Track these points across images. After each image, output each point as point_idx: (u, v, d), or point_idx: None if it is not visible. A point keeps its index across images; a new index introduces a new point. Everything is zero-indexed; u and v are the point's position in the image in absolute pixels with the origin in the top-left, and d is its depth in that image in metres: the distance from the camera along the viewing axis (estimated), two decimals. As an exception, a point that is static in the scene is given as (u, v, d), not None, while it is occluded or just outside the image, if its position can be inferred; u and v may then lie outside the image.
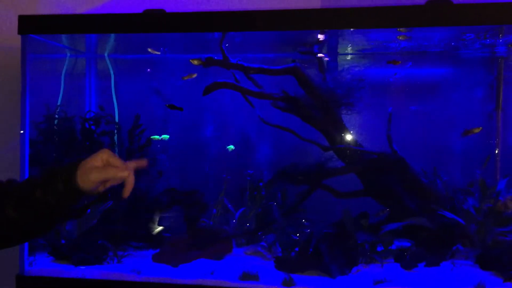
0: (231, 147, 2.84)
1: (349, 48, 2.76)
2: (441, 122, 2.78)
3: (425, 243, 2.41)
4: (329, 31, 2.35)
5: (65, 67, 2.96)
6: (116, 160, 1.26)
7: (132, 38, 2.55)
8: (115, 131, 2.86)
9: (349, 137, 2.57)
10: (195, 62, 2.50)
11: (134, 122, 2.78)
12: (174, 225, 2.66)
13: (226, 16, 2.28)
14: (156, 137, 2.81)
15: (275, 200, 2.70)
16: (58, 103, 2.87)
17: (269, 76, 2.58)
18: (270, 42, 2.64)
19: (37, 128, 2.70)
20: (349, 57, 2.89)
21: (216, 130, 2.96)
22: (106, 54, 2.99)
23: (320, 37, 2.42)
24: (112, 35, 2.55)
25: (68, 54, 2.98)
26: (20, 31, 2.31)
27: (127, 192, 1.26)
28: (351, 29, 2.24)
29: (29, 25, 2.31)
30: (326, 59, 2.68)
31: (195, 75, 2.63)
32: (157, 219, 2.65)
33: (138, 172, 1.29)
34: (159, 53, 2.75)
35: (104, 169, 1.24)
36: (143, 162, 1.33)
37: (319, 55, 2.60)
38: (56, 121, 2.79)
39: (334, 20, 2.17)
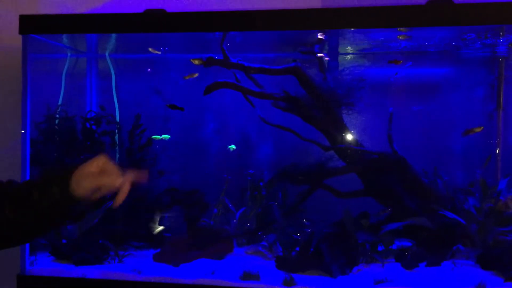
0: (233, 146, 2.83)
1: (350, 48, 2.75)
2: (442, 122, 2.78)
3: (426, 243, 2.41)
4: (330, 31, 2.35)
5: (66, 67, 2.96)
6: (112, 168, 1.24)
7: (133, 37, 2.55)
8: (116, 131, 2.87)
9: (349, 137, 2.57)
10: (196, 61, 2.51)
11: (134, 122, 2.78)
12: (175, 224, 2.67)
13: (227, 16, 2.28)
14: (157, 136, 2.82)
15: (276, 200, 2.70)
16: (59, 103, 2.87)
17: (269, 76, 2.58)
18: (270, 42, 2.64)
19: (38, 128, 2.70)
20: (349, 57, 2.89)
21: (217, 130, 2.96)
22: (107, 54, 3.00)
23: (321, 36, 2.42)
24: (113, 35, 2.55)
25: (69, 54, 2.98)
26: (21, 31, 2.31)
27: (118, 201, 1.24)
28: (352, 29, 2.24)
29: (30, 25, 2.32)
30: (327, 59, 2.68)
31: (196, 75, 2.63)
32: (158, 218, 2.65)
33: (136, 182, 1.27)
34: (159, 52, 2.75)
35: (97, 177, 1.22)
36: (143, 175, 1.30)
37: (320, 54, 2.60)
38: (56, 121, 2.79)
39: (334, 20, 2.17)
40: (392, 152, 2.53)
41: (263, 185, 2.75)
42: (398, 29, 2.23)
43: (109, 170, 1.24)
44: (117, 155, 2.85)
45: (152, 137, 2.80)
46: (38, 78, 2.47)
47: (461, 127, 2.57)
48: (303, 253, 2.39)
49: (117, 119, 2.93)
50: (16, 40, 2.35)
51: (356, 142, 2.58)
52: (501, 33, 2.33)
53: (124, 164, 2.79)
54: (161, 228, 2.65)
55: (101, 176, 1.23)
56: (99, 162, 1.24)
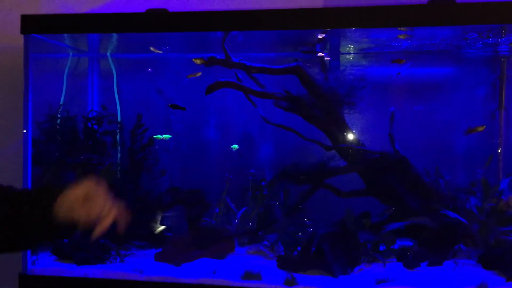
0: (235, 146, 2.83)
1: (351, 47, 2.75)
2: (444, 122, 2.78)
3: (428, 243, 2.41)
4: (331, 30, 2.35)
5: (67, 67, 2.97)
6: (98, 195, 1.20)
7: (134, 37, 2.55)
8: (118, 130, 2.87)
9: (351, 136, 2.57)
10: (198, 61, 2.51)
11: (136, 121, 2.78)
12: (176, 224, 2.67)
13: (229, 16, 2.28)
14: (159, 136, 2.82)
15: (277, 200, 2.70)
16: (61, 103, 2.87)
17: (271, 76, 2.58)
18: (272, 41, 2.64)
19: (40, 128, 2.70)
20: (351, 56, 2.89)
21: (219, 129, 2.96)
22: (108, 54, 3.00)
23: (322, 36, 2.42)
24: (115, 35, 2.55)
25: (71, 54, 2.98)
26: (22, 31, 2.31)
27: (96, 233, 1.20)
28: (353, 28, 2.24)
29: (31, 24, 2.32)
30: (328, 58, 2.68)
31: (199, 74, 2.63)
32: (160, 218, 2.65)
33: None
34: (161, 52, 2.75)
35: (80, 203, 1.19)
36: (127, 215, 1.25)
37: (321, 54, 2.60)
38: (58, 121, 2.79)
39: (336, 19, 2.17)
40: (394, 151, 2.53)
41: (265, 185, 2.75)
42: (399, 28, 2.23)
43: (95, 197, 1.20)
44: (119, 155, 2.85)
45: (155, 136, 2.80)
46: (40, 78, 2.48)
47: (463, 127, 2.57)
48: (305, 252, 2.39)
49: (119, 118, 2.93)
50: (17, 39, 2.36)
51: (358, 141, 2.57)
52: (503, 33, 2.33)
53: (126, 164, 2.79)
54: (162, 227, 2.65)
55: (85, 203, 1.19)
56: (85, 188, 1.21)
